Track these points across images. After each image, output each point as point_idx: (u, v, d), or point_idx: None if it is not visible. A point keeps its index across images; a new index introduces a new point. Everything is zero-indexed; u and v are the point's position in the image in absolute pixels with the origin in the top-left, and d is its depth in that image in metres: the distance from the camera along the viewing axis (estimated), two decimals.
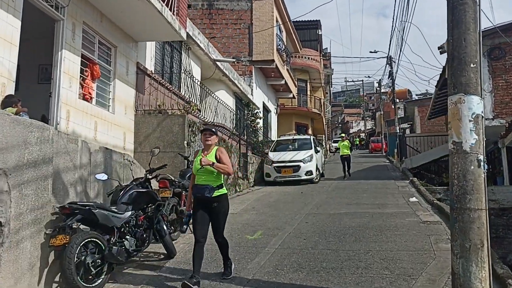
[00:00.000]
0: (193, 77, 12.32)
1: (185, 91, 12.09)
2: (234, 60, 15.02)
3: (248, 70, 20.25)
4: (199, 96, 13.02)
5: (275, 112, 24.98)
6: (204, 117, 12.49)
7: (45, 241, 4.62)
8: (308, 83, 32.59)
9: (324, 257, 5.97)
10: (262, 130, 21.12)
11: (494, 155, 17.79)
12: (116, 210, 5.27)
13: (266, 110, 22.97)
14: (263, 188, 14.57)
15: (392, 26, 73.40)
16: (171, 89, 11.20)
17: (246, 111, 18.81)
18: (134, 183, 5.91)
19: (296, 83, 29.29)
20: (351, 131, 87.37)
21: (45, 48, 7.92)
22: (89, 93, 8.25)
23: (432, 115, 24.54)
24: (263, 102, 21.77)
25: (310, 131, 32.70)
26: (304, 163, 15.12)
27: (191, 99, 11.65)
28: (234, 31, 20.42)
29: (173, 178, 7.18)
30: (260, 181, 16.14)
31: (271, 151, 16.39)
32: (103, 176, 5.70)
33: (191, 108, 10.31)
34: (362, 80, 78.85)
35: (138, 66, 10.03)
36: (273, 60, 20.15)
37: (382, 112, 44.85)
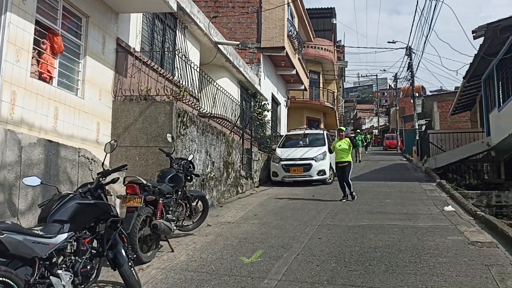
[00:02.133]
0: (189, 60, 10.58)
1: (180, 77, 10.35)
2: (238, 43, 13.28)
3: (256, 58, 18.47)
4: (197, 83, 11.28)
5: (285, 105, 23.16)
6: (201, 108, 10.77)
7: None
8: (321, 75, 30.70)
9: None
10: (270, 124, 19.37)
11: None
12: (41, 233, 3.55)
13: (275, 102, 21.18)
14: (269, 189, 12.80)
15: (416, 8, 70.05)
16: (161, 72, 9.48)
17: (252, 103, 17.05)
18: (80, 190, 4.20)
19: (308, 75, 27.45)
20: (364, 127, 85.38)
21: None
22: (48, 72, 6.54)
23: (456, 110, 22.54)
24: (271, 93, 19.97)
25: (322, 126, 30.87)
26: (316, 161, 13.32)
27: (184, 85, 9.91)
28: (241, 15, 18.65)
29: (145, 182, 5.46)
30: (266, 180, 14.39)
31: (279, 147, 14.63)
32: (34, 181, 3.98)
33: (182, 94, 8.56)
34: (376, 75, 76.68)
35: (119, 43, 8.31)
36: (283, 47, 18.32)
37: (397, 108, 42.77)
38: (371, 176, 16.13)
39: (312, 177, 13.24)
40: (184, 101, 8.82)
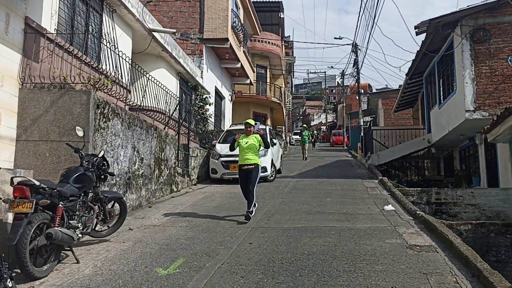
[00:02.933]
0: (116, 47, 9.62)
1: (106, 65, 9.38)
2: (174, 31, 12.38)
3: (198, 49, 17.62)
4: (126, 73, 10.34)
5: (230, 99, 22.45)
6: (130, 100, 9.88)
7: None
8: (268, 70, 30.24)
9: None
10: (214, 119, 18.62)
11: (469, 152, 16.07)
12: None
13: (219, 96, 20.43)
14: (207, 188, 12.08)
15: (360, 3, 71.21)
16: (83, 59, 8.48)
17: (193, 96, 16.21)
18: None
19: (255, 69, 26.92)
20: (312, 123, 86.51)
21: None
22: None
23: (399, 107, 22.80)
24: (215, 87, 19.20)
25: (269, 122, 30.48)
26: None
27: (110, 73, 8.96)
28: (183, 4, 17.75)
29: (37, 183, 4.59)
30: (205, 178, 13.65)
31: (219, 142, 13.91)
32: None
33: (103, 82, 7.62)
34: (325, 72, 77.74)
35: (28, 23, 7.26)
36: (227, 39, 17.58)
37: (344, 105, 43.23)
38: (314, 173, 15.80)
39: None
40: (105, 90, 7.89)
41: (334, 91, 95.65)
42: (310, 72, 69.88)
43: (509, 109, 10.19)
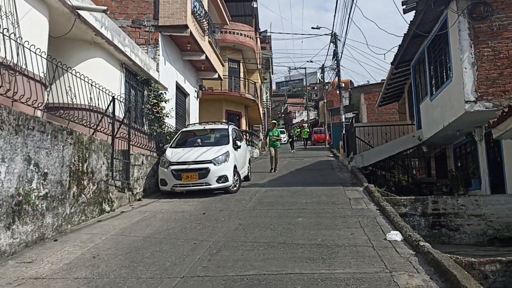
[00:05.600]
0: (16, 25, 7.18)
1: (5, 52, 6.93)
2: (104, 8, 9.90)
3: (153, 39, 15.20)
4: (43, 65, 7.90)
5: (196, 96, 20.02)
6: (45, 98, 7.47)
7: None
8: (241, 64, 27.94)
9: None
10: (176, 118, 16.26)
11: (465, 150, 13.99)
12: None
13: (182, 92, 18.01)
14: (152, 204, 9.68)
15: None
16: None
17: (146, 92, 13.80)
18: None
19: (226, 63, 24.66)
20: (294, 121, 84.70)
21: None
22: None
23: (384, 100, 20.71)
24: (176, 81, 16.78)
25: (244, 121, 28.20)
26: (215, 164, 10.37)
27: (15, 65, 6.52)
28: None
29: None
30: (156, 190, 11.23)
31: (171, 147, 11.51)
32: None
33: None
34: (305, 68, 76.08)
35: None
36: (186, 26, 15.17)
37: (325, 101, 41.17)
38: (289, 179, 13.54)
39: (210, 185, 10.27)
40: None
41: (316, 88, 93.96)
42: (291, 69, 67.43)
43: None
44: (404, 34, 12.79)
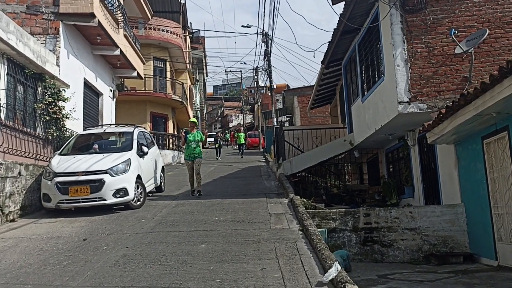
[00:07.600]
0: None
1: None
2: None
3: (52, 28, 13.06)
4: None
5: (112, 96, 17.92)
6: None
7: None
8: (167, 63, 26.02)
9: None
10: (85, 120, 14.21)
11: (397, 155, 13.15)
12: None
13: (93, 91, 15.92)
14: (24, 227, 7.67)
15: None
16: None
17: (40, 89, 11.67)
18: None
19: (149, 61, 22.70)
20: (231, 124, 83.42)
21: None
22: None
23: (316, 103, 19.75)
24: (84, 78, 14.70)
25: (171, 124, 26.30)
26: (112, 175, 8.54)
27: None
28: None
29: None
30: (39, 208, 9.18)
31: (60, 153, 9.51)
32: None
33: None
34: (241, 71, 75.26)
35: None
36: (92, 15, 13.19)
37: (259, 103, 40.10)
38: (209, 188, 11.95)
39: (105, 200, 8.41)
40: None
41: (253, 91, 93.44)
42: (227, 72, 65.81)
43: (465, 96, 7.07)
44: (334, 29, 11.71)
